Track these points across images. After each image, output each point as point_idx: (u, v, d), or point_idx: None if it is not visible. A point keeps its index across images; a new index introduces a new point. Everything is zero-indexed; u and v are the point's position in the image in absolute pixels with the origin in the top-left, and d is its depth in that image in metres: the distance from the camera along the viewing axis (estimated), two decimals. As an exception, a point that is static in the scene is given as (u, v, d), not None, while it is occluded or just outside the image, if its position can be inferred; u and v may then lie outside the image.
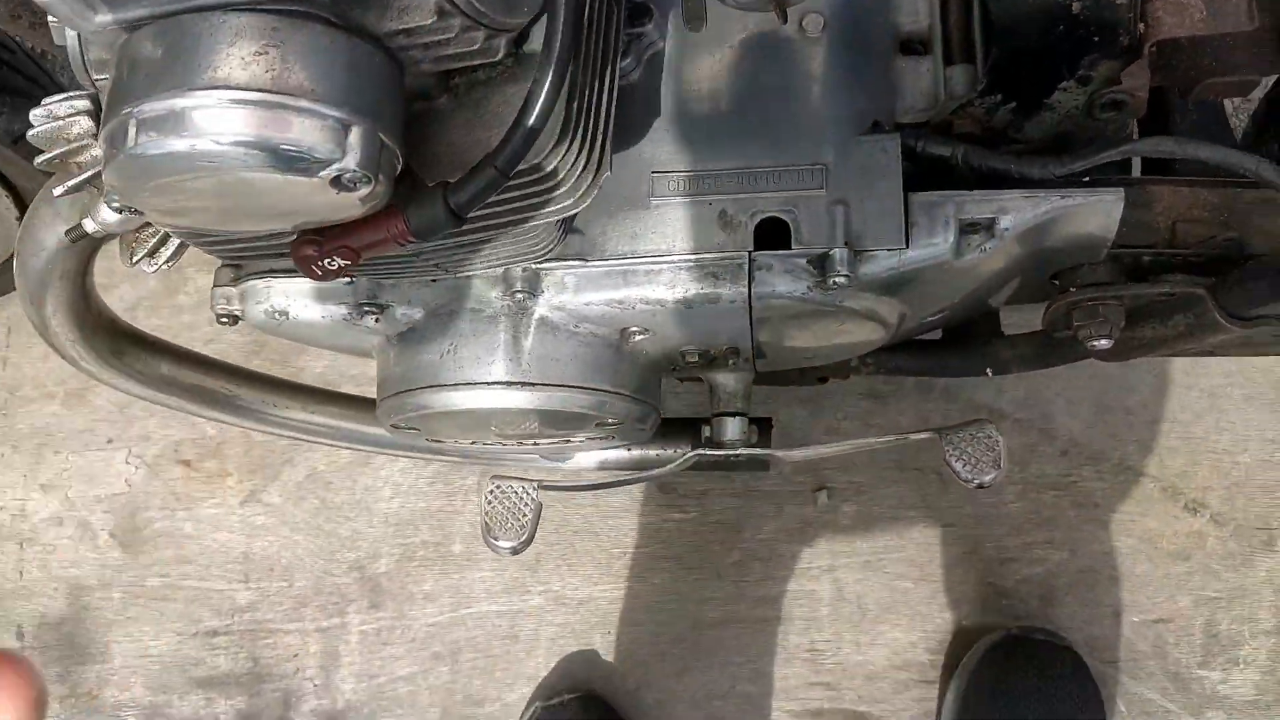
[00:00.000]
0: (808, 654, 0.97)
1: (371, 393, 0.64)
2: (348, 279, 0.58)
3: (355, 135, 0.39)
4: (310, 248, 0.44)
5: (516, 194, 0.47)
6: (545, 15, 0.44)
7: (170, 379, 0.71)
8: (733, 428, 0.68)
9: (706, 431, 0.70)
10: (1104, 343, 0.62)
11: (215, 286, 0.62)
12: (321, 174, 0.39)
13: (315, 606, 1.00)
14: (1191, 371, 0.99)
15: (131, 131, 0.38)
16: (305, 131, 0.38)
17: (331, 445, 0.83)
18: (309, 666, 0.99)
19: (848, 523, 0.99)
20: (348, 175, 0.39)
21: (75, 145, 0.48)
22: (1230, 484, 0.98)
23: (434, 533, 1.00)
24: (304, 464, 1.02)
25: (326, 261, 0.44)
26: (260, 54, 0.38)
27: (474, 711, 0.98)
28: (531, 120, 0.42)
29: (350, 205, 0.41)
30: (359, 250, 0.44)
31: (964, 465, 0.63)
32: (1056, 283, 0.64)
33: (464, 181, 0.43)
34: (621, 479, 0.77)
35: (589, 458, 0.78)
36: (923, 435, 0.65)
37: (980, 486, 0.63)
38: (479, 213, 0.45)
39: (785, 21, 0.55)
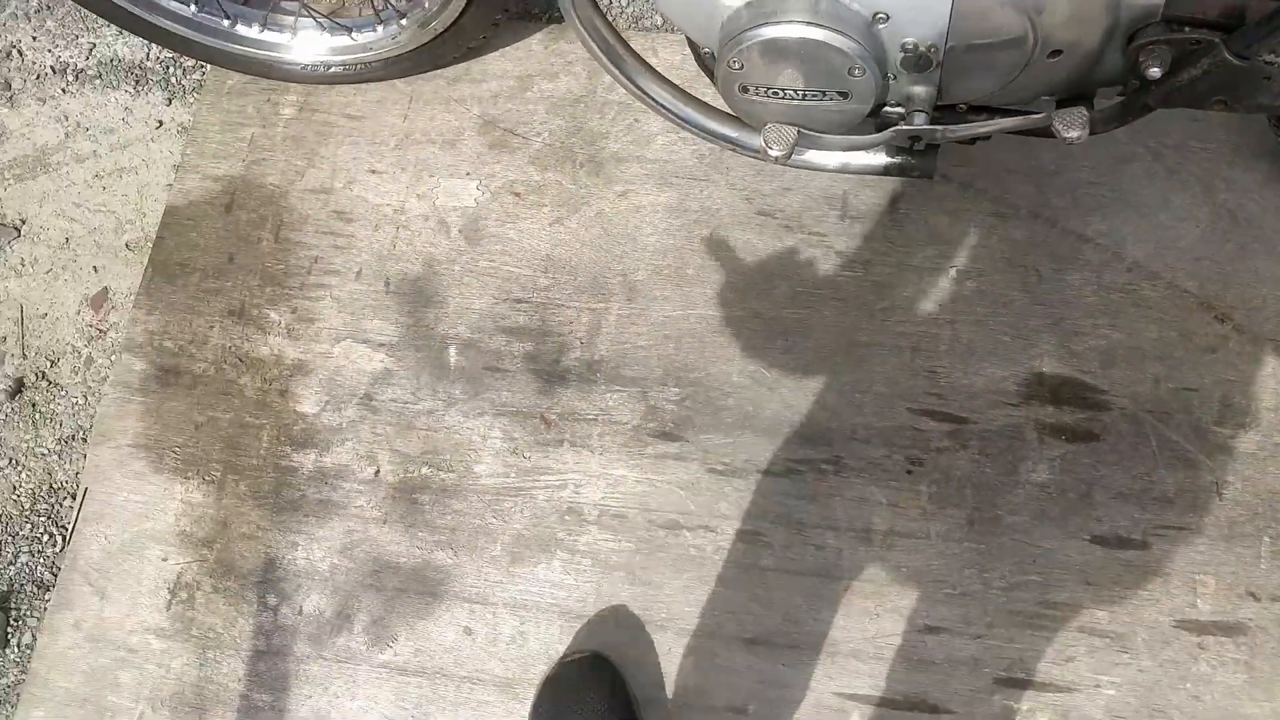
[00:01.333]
0: (927, 373, 1.37)
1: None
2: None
3: None
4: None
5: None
6: None
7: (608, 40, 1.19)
8: (920, 119, 1.13)
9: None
10: (1155, 71, 1.05)
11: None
12: None
13: (589, 294, 1.45)
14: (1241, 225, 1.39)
15: None
16: None
17: (675, 123, 1.27)
18: (579, 330, 1.43)
19: (968, 294, 1.40)
20: None
21: None
22: (1252, 308, 1.36)
23: (676, 259, 1.45)
24: (595, 204, 1.49)
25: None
26: None
27: (686, 374, 1.40)
28: None
29: None
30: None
31: (1063, 126, 1.06)
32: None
33: None
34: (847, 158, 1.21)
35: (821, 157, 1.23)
36: (1038, 115, 1.09)
37: (1070, 141, 1.06)
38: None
39: None
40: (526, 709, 1.28)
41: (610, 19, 1.24)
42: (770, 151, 1.14)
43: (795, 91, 1.12)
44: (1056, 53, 1.08)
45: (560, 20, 1.59)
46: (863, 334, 1.39)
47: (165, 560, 1.41)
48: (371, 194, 1.54)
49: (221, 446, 1.45)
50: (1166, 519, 1.28)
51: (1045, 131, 1.16)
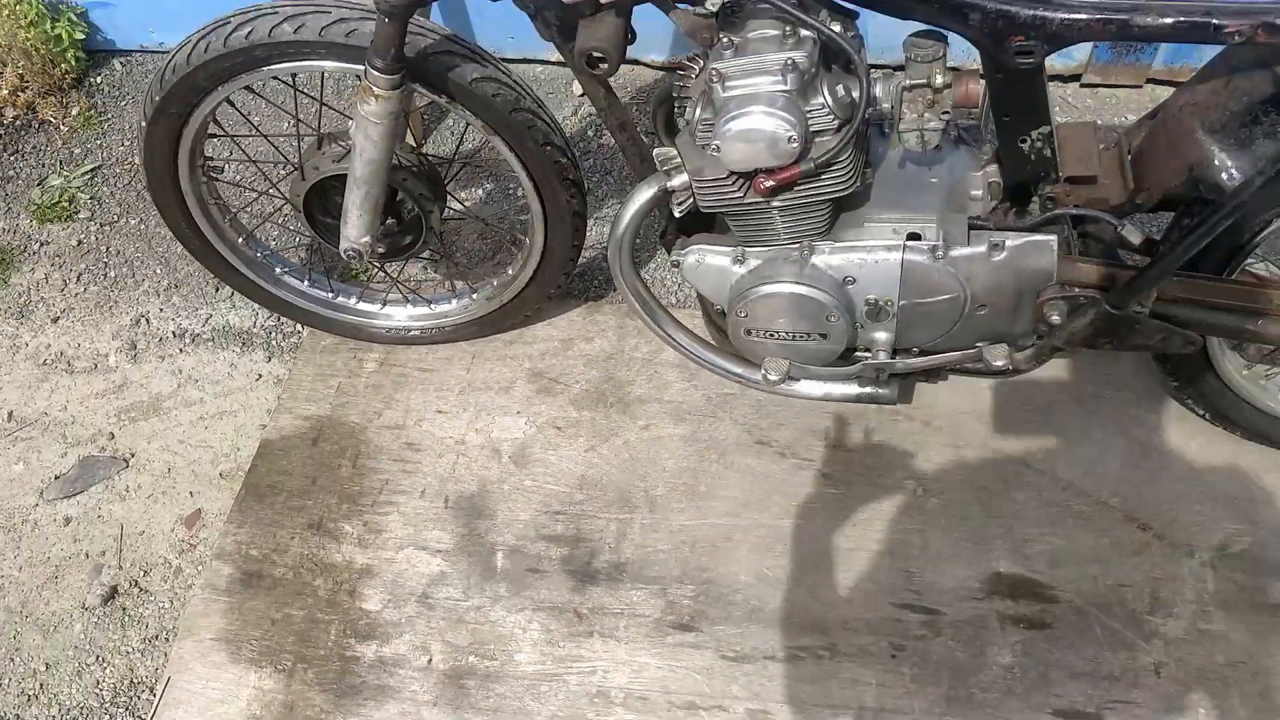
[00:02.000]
0: (904, 573, 1.63)
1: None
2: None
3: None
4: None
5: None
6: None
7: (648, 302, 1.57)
8: (882, 356, 1.48)
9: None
10: (1055, 318, 1.42)
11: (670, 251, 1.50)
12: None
13: (617, 506, 1.73)
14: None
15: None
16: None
17: (695, 361, 1.62)
18: (608, 537, 1.70)
19: (933, 508, 1.69)
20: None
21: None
22: (1168, 520, 1.65)
23: (690, 479, 1.75)
24: (623, 435, 1.81)
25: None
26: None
27: (700, 574, 1.65)
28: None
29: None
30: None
31: (990, 357, 1.42)
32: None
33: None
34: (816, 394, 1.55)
35: (809, 386, 1.57)
36: (970, 351, 1.44)
37: (996, 369, 1.41)
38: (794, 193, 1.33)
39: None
40: None
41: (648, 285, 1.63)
42: (769, 377, 1.49)
43: (786, 333, 1.48)
44: (983, 307, 1.46)
45: (596, 297, 2.00)
46: (848, 541, 1.67)
47: (234, 742, 1.57)
48: (437, 429, 1.86)
49: (294, 639, 1.66)
50: (1115, 694, 1.49)
51: (980, 370, 1.52)
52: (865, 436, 1.77)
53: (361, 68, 1.42)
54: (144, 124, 1.60)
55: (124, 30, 2.54)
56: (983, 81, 1.28)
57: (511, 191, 2.21)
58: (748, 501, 1.72)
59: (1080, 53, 2.20)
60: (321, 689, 1.61)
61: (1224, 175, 1.28)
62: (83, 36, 2.47)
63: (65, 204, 2.33)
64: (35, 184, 2.38)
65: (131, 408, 2.01)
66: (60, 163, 2.42)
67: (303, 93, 1.75)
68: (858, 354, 1.57)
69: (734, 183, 1.35)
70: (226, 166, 2.09)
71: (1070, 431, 1.74)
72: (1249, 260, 1.45)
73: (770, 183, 1.31)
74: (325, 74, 1.95)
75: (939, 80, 1.28)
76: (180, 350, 2.08)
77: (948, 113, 1.30)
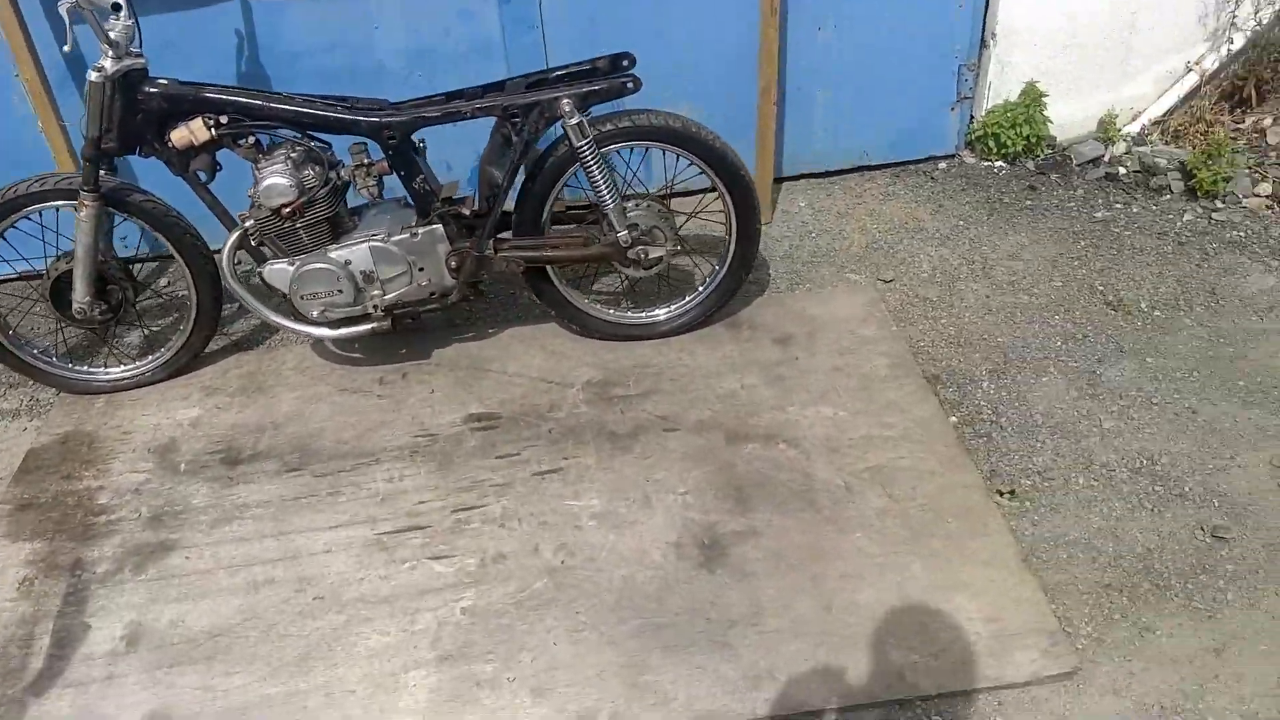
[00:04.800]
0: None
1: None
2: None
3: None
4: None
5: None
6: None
7: (248, 297, 2.95)
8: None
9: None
10: (455, 264, 2.91)
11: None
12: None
13: (257, 431, 2.99)
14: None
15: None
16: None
17: (278, 327, 2.98)
18: (259, 444, 2.94)
19: (436, 385, 3.06)
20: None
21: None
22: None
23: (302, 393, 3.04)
24: (275, 394, 3.09)
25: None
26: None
27: (297, 438, 2.91)
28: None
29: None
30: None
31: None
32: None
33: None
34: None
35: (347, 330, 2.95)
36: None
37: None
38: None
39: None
40: None
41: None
42: (314, 319, 2.88)
43: (322, 293, 2.89)
44: (422, 269, 2.95)
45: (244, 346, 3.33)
46: (388, 415, 2.99)
47: None
48: (142, 421, 3.06)
49: (52, 524, 2.73)
50: (526, 443, 2.84)
51: (440, 306, 2.98)
52: (396, 359, 3.14)
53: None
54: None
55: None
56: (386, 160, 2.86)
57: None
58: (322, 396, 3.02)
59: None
60: (70, 539, 2.66)
61: (489, 185, 2.90)
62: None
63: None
64: None
65: (-69, 464, 3.06)
66: None
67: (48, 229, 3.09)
68: (368, 307, 2.99)
69: (273, 218, 2.81)
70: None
71: (509, 342, 3.20)
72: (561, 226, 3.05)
73: (287, 210, 2.78)
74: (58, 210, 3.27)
75: (365, 161, 2.86)
76: (-35, 430, 3.18)
77: (374, 178, 2.87)
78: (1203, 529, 2.41)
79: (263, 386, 3.18)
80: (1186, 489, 2.52)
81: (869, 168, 4.05)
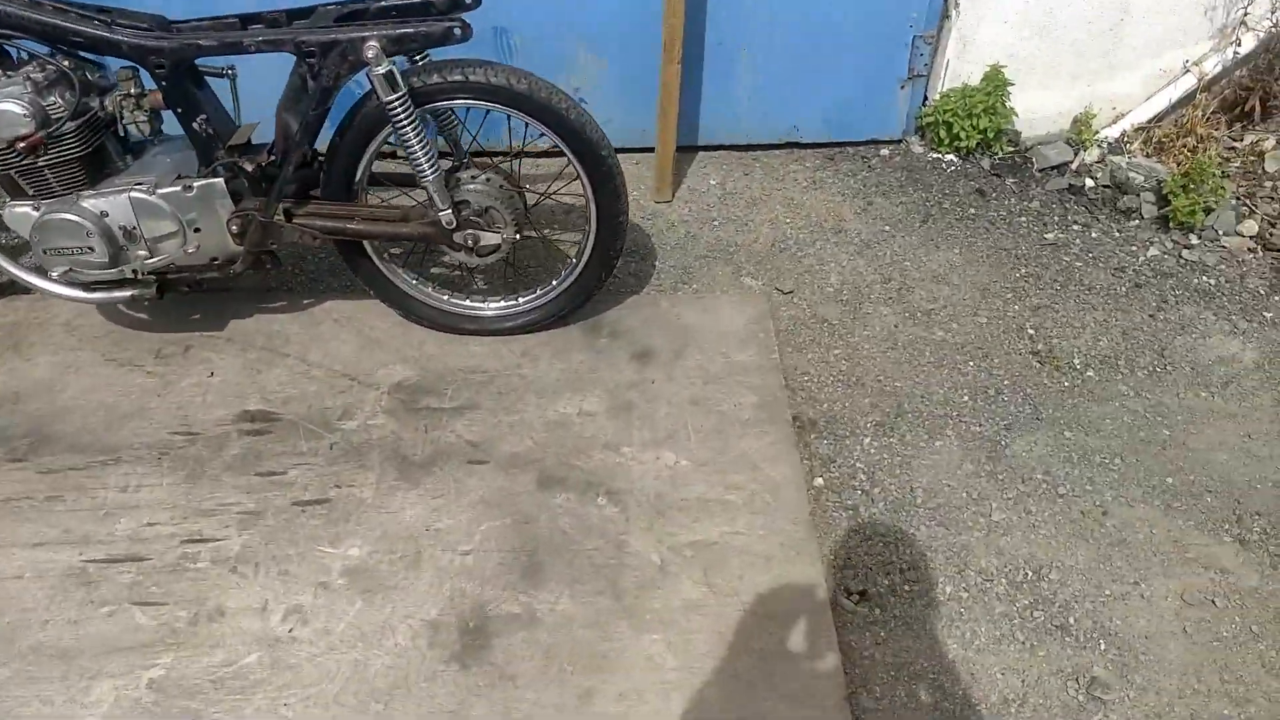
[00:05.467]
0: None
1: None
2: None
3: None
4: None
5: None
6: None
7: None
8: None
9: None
10: (236, 229, 2.38)
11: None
12: (25, 121, 2.22)
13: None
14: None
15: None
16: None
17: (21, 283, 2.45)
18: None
19: (215, 370, 2.54)
20: (30, 122, 2.22)
21: None
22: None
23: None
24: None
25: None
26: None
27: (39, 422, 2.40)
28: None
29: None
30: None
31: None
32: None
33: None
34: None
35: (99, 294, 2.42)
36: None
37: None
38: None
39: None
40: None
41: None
42: (53, 277, 2.34)
43: (66, 249, 2.35)
44: (198, 229, 2.40)
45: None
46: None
47: None
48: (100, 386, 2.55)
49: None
50: (302, 459, 2.34)
51: (220, 277, 2.44)
52: (185, 325, 2.62)
53: None
54: None
55: None
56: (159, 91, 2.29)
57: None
58: (97, 387, 2.51)
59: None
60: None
61: (284, 138, 2.33)
62: None
63: None
64: None
65: None
66: None
67: None
68: (127, 271, 2.45)
69: (9, 152, 2.25)
70: None
71: (321, 319, 2.67)
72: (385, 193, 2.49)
73: (23, 144, 2.22)
74: None
75: (133, 91, 2.28)
76: None
77: (144, 112, 2.29)
78: (1078, 681, 1.93)
79: (20, 344, 2.67)
80: (1071, 620, 2.04)
81: (799, 145, 3.46)
